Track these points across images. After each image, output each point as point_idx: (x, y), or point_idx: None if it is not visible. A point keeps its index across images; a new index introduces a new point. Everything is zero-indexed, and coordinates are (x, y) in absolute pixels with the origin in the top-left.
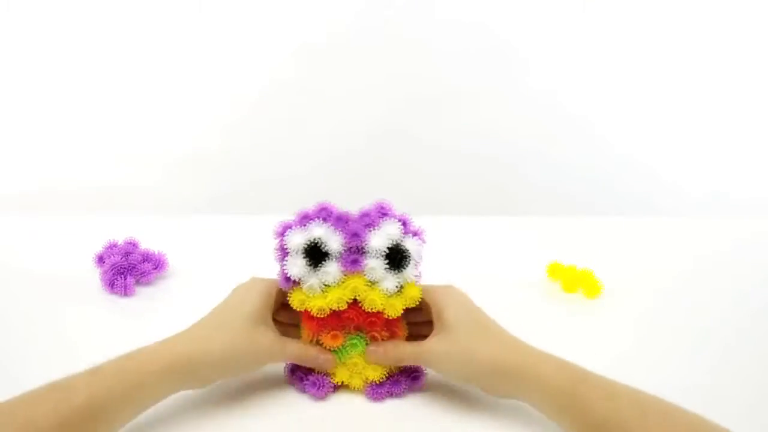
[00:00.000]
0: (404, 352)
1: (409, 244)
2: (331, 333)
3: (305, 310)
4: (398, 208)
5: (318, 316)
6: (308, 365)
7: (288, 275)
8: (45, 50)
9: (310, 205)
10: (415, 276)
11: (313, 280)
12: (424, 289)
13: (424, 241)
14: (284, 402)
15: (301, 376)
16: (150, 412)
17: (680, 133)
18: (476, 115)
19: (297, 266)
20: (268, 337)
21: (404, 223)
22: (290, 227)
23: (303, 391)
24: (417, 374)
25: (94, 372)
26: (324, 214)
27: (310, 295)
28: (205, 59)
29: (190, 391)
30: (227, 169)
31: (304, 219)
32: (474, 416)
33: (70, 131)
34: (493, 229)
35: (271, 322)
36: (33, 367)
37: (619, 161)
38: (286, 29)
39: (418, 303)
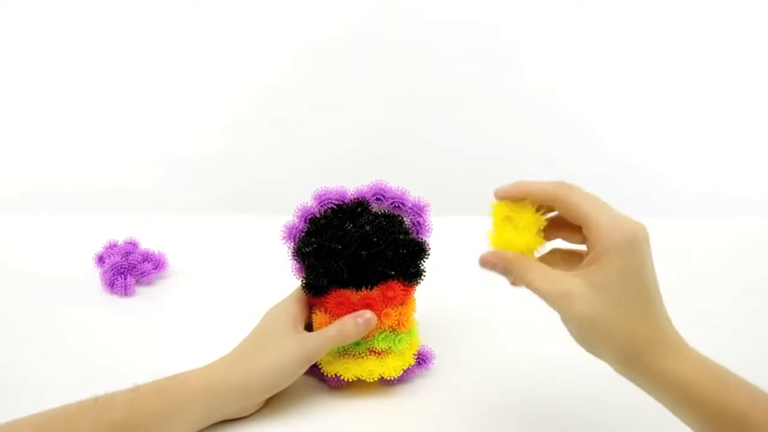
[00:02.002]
0: (543, 275)
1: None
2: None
3: (321, 300)
4: None
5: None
6: (354, 336)
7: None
8: (46, 51)
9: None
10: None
11: None
12: (592, 216)
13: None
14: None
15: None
16: None
17: (680, 133)
18: (477, 116)
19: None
20: (298, 339)
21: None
22: (296, 228)
23: (322, 380)
24: (422, 359)
25: (135, 390)
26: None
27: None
28: (207, 60)
29: None
30: (227, 169)
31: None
32: (479, 411)
33: (70, 131)
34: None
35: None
36: (33, 367)
37: (619, 161)
38: (286, 31)
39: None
